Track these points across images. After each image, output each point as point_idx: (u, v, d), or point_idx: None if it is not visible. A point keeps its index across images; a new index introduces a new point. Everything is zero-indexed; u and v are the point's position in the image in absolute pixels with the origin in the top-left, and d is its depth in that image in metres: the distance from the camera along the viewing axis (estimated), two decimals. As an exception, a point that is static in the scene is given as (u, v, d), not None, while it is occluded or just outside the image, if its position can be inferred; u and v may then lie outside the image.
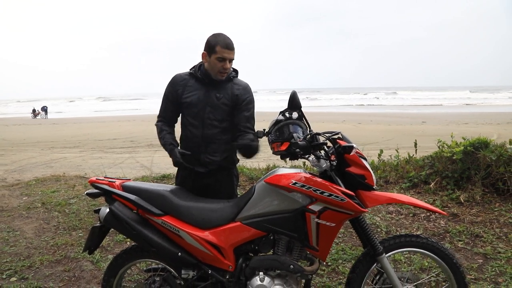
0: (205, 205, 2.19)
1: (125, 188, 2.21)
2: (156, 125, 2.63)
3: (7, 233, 4.19)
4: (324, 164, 2.03)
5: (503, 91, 63.12)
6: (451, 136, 5.12)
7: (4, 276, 3.21)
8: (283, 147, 2.03)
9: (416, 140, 5.77)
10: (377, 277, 2.20)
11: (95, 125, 24.77)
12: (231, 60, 2.41)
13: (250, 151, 2.39)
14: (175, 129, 2.69)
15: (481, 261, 3.21)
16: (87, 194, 2.23)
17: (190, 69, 2.56)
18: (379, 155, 5.76)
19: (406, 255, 3.24)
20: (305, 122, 2.12)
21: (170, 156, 2.50)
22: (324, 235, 1.99)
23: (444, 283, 2.29)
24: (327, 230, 1.98)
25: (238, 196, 2.55)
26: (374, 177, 2.03)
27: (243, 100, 2.48)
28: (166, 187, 2.29)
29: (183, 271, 2.16)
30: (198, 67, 2.52)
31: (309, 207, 1.97)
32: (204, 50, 2.43)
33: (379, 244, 2.08)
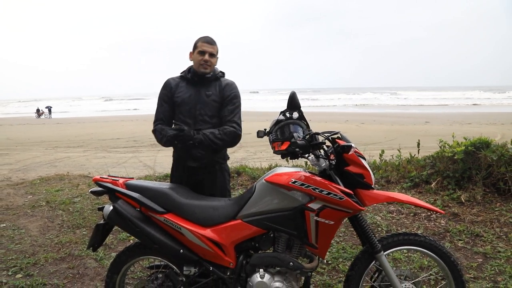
0: (207, 203, 2.23)
1: (129, 187, 2.26)
2: (155, 129, 2.71)
3: (13, 231, 4.25)
4: (324, 163, 2.07)
5: (506, 91, 62.81)
6: (453, 136, 5.13)
7: (10, 273, 3.27)
8: (284, 147, 2.06)
9: (419, 140, 5.80)
10: (376, 275, 2.23)
11: (98, 124, 24.89)
12: (212, 54, 2.63)
13: (181, 139, 2.52)
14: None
15: (481, 260, 3.23)
16: (91, 192, 2.28)
17: (180, 73, 2.79)
18: (381, 155, 5.79)
19: (405, 254, 3.27)
20: (305, 122, 2.15)
21: (177, 139, 2.53)
22: (323, 233, 2.03)
23: (442, 281, 2.31)
24: (326, 228, 2.02)
25: (231, 191, 2.70)
26: (372, 176, 2.07)
27: (228, 95, 2.69)
28: (168, 185, 2.33)
29: (185, 268, 2.20)
30: (188, 70, 2.75)
31: (309, 205, 2.00)
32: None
33: (377, 242, 2.12)
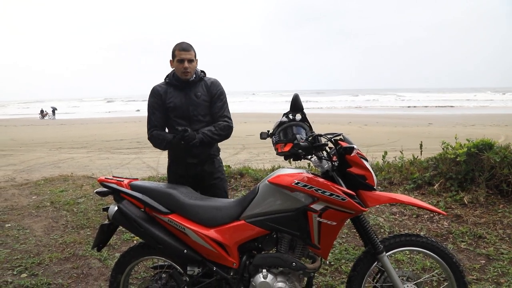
0: (210, 203, 2.25)
1: (133, 187, 2.28)
2: (151, 135, 2.81)
3: (17, 231, 4.29)
4: (326, 164, 2.09)
5: (510, 92, 62.51)
6: (455, 137, 5.13)
7: (15, 272, 3.30)
8: (287, 148, 2.09)
9: (421, 142, 5.80)
10: (378, 276, 2.25)
11: (101, 126, 24.99)
12: (190, 60, 2.75)
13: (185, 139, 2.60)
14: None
15: (484, 261, 3.24)
16: (96, 192, 2.30)
17: (165, 79, 2.90)
18: (383, 156, 5.80)
19: (408, 255, 3.28)
20: (308, 124, 2.17)
21: (183, 141, 2.61)
22: (326, 233, 2.05)
23: (444, 282, 2.32)
24: (329, 228, 2.03)
25: (225, 178, 2.94)
26: (375, 178, 2.08)
27: (215, 93, 2.86)
28: (172, 186, 2.36)
29: (188, 268, 2.22)
30: (172, 75, 2.85)
31: (311, 206, 2.02)
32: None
33: (379, 243, 2.13)
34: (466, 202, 4.39)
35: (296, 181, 2.03)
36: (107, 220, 2.34)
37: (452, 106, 37.69)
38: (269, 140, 2.20)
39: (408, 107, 39.46)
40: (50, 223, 4.52)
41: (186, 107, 2.78)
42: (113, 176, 2.39)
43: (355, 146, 2.05)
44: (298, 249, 2.17)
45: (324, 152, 2.10)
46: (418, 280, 2.21)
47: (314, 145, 2.01)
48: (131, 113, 41.29)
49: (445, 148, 5.07)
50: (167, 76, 2.89)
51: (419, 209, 4.38)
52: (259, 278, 2.12)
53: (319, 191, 1.99)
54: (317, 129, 2.19)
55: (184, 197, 2.24)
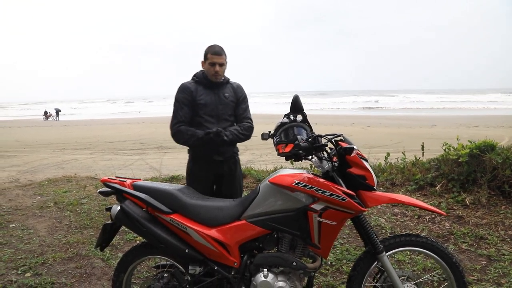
0: (212, 203, 2.28)
1: (136, 187, 2.31)
2: (178, 130, 2.85)
3: (22, 231, 4.33)
4: (326, 165, 2.11)
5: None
6: (457, 138, 5.14)
7: (19, 272, 3.34)
8: (288, 149, 2.10)
9: (423, 143, 5.81)
10: (378, 276, 2.26)
11: (105, 127, 25.09)
12: (221, 64, 2.89)
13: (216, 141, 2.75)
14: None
15: (485, 262, 3.24)
16: (100, 192, 2.33)
17: (192, 78, 3.01)
18: (386, 157, 5.81)
19: (409, 256, 3.29)
20: (309, 125, 2.19)
21: (217, 139, 2.74)
22: (326, 233, 2.07)
23: (445, 282, 2.33)
24: (329, 228, 2.05)
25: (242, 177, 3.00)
26: (375, 178, 2.10)
27: (240, 96, 3.06)
28: (175, 186, 2.38)
29: (190, 267, 2.25)
30: (202, 74, 2.97)
31: (311, 206, 2.04)
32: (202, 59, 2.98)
33: (379, 243, 2.15)
34: (468, 203, 4.39)
35: (297, 181, 2.05)
36: (110, 220, 2.36)
37: (455, 108, 37.56)
38: (271, 141, 2.22)
39: (411, 108, 39.36)
40: (53, 223, 4.56)
41: (216, 106, 2.91)
42: (116, 177, 2.42)
43: (355, 147, 2.07)
44: (298, 249, 2.19)
45: (325, 153, 2.12)
46: (418, 280, 2.22)
47: (314, 146, 2.02)
48: (134, 114, 41.43)
49: (447, 150, 5.07)
50: (195, 76, 3.00)
51: (420, 210, 4.38)
52: (260, 277, 2.14)
53: (319, 191, 2.01)
54: (319, 130, 2.21)
55: (186, 197, 2.26)
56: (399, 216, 4.31)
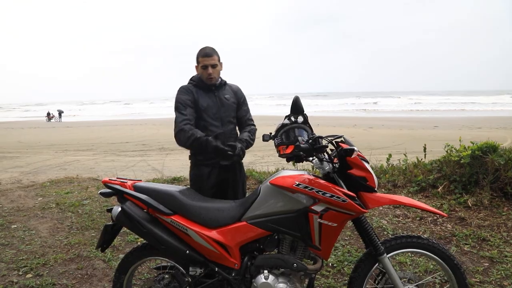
0: (213, 205, 2.27)
1: (137, 188, 2.31)
2: (181, 129, 2.69)
3: (23, 232, 4.34)
4: (327, 166, 2.10)
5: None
6: (459, 140, 5.12)
7: (20, 273, 3.34)
8: (289, 150, 2.10)
9: (425, 145, 5.79)
10: (379, 277, 2.26)
11: (107, 128, 25.15)
12: (213, 65, 2.81)
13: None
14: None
15: (487, 264, 3.23)
16: (100, 193, 2.33)
17: (189, 81, 2.93)
18: (388, 159, 5.80)
19: (410, 258, 3.28)
20: (309, 126, 2.18)
21: (210, 147, 2.62)
22: (327, 234, 2.06)
23: (447, 284, 2.32)
24: (329, 230, 2.05)
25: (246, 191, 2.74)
26: (375, 179, 2.09)
27: (240, 98, 3.03)
28: (175, 187, 2.38)
29: (190, 268, 2.25)
30: (199, 78, 2.90)
31: (312, 207, 2.03)
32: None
33: (380, 245, 2.14)
34: (470, 205, 4.37)
35: (297, 183, 2.05)
36: (111, 221, 2.36)
37: (458, 110, 37.46)
38: (272, 142, 2.22)
39: (413, 110, 39.29)
40: (55, 224, 4.57)
41: (218, 109, 2.86)
42: (117, 178, 2.42)
43: (355, 148, 2.06)
44: (299, 250, 2.18)
45: (325, 154, 2.12)
46: (419, 282, 2.21)
47: (315, 147, 2.02)
48: (136, 115, 41.53)
49: (449, 151, 5.05)
50: (192, 79, 2.93)
51: (422, 211, 4.37)
52: (261, 279, 2.14)
53: (320, 192, 2.01)
54: (321, 132, 2.21)
55: (186, 198, 2.26)
56: (401, 217, 4.29)
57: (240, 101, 3.02)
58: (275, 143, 2.20)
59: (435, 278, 2.62)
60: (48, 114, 38.87)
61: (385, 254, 2.13)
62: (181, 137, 2.70)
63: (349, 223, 3.41)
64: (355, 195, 2.02)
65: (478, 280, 2.99)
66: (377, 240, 2.15)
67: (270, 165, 8.08)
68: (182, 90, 2.86)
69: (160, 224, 2.24)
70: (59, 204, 5.30)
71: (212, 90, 2.89)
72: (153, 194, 2.27)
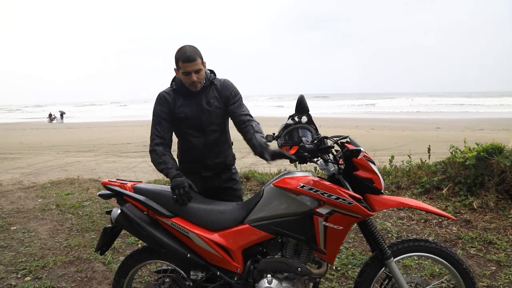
0: (214, 207, 2.22)
1: (136, 190, 2.26)
2: (153, 150, 2.44)
3: (23, 233, 4.29)
4: (332, 167, 2.04)
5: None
6: (464, 141, 5.06)
7: (19, 276, 3.29)
8: (292, 151, 2.05)
9: (429, 146, 5.73)
10: (386, 282, 2.19)
11: (108, 129, 25.13)
12: (197, 71, 2.37)
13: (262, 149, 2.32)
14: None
15: (494, 268, 3.16)
16: (99, 195, 2.28)
17: (171, 85, 2.56)
18: (390, 160, 5.74)
19: (416, 261, 3.21)
20: (314, 126, 2.12)
21: (174, 181, 2.29)
22: (332, 238, 2.00)
23: (454, 289, 2.26)
24: (335, 233, 1.99)
25: (243, 194, 2.62)
26: (382, 181, 2.03)
27: (229, 96, 2.53)
28: None
29: (191, 272, 2.19)
30: (180, 81, 2.49)
31: (317, 210, 1.97)
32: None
33: (387, 248, 2.08)
34: (476, 207, 4.31)
35: (302, 184, 1.99)
36: (110, 223, 2.31)
37: (460, 111, 37.34)
38: (275, 143, 2.16)
39: (415, 111, 39.18)
40: (55, 226, 4.52)
41: (199, 118, 2.48)
42: (117, 179, 2.37)
43: (362, 149, 2.00)
44: (303, 254, 2.12)
45: (330, 155, 2.06)
46: (427, 287, 2.15)
47: (320, 148, 1.96)
48: (138, 117, 41.52)
49: (453, 152, 4.99)
50: (173, 81, 2.56)
51: (427, 213, 4.30)
52: (264, 283, 2.07)
53: (325, 194, 1.95)
54: (323, 133, 2.15)
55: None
56: (405, 220, 4.23)
57: (228, 98, 2.53)
58: (278, 144, 2.14)
59: (443, 282, 2.55)
60: (50, 115, 38.92)
61: (392, 258, 2.07)
62: (152, 159, 2.46)
63: (354, 225, 3.35)
64: (361, 197, 1.96)
65: (485, 285, 2.92)
66: (384, 243, 2.08)
67: (272, 166, 8.02)
68: (157, 101, 2.52)
69: (160, 227, 2.18)
70: (59, 206, 5.25)
71: (193, 95, 2.49)
72: (154, 196, 2.22)
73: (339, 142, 2.05)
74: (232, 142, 2.75)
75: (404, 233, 3.88)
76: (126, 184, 2.30)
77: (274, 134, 2.21)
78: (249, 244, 2.11)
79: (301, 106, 2.02)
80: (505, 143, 4.81)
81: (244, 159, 10.23)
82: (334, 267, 3.25)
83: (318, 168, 2.16)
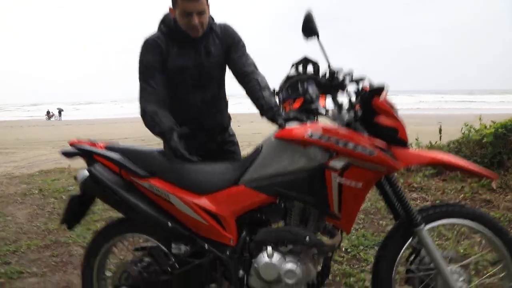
0: (202, 166, 1.82)
1: (109, 149, 1.86)
2: (145, 109, 2.00)
3: (-3, 218, 3.90)
4: (347, 115, 1.65)
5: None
6: (479, 119, 4.73)
7: (-16, 261, 2.91)
8: (296, 105, 1.67)
9: (440, 126, 5.42)
10: (412, 257, 1.78)
11: (107, 125, 24.80)
12: (200, 12, 1.93)
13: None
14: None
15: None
16: (62, 153, 1.89)
17: (160, 29, 2.09)
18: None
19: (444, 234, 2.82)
20: (319, 71, 1.71)
21: (168, 143, 1.90)
22: (348, 198, 1.58)
23: (498, 264, 1.82)
24: (352, 192, 1.57)
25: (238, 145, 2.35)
26: (407, 132, 1.64)
27: (231, 42, 2.12)
28: (158, 149, 1.93)
29: (173, 245, 1.76)
30: (173, 24, 2.04)
31: (330, 163, 1.57)
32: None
33: (416, 213, 1.67)
34: (495, 187, 3.96)
35: (310, 133, 1.58)
36: (79, 190, 1.91)
37: (462, 108, 36.96)
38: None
39: (416, 108, 38.81)
40: (35, 210, 4.15)
41: (196, 68, 2.08)
42: (88, 139, 1.97)
43: (385, 86, 1.59)
44: (312, 222, 1.70)
45: (345, 98, 1.67)
46: (464, 262, 1.73)
47: (333, 84, 1.57)
48: (135, 114, 41.19)
49: (467, 131, 4.68)
50: (162, 23, 2.08)
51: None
52: (263, 258, 1.66)
53: (339, 143, 1.54)
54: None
55: (168, 157, 1.81)
56: (418, 201, 3.84)
57: (230, 46, 2.12)
58: (279, 99, 1.76)
59: (483, 256, 2.12)
60: (48, 112, 38.56)
61: (422, 225, 1.65)
62: (145, 121, 2.03)
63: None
64: (385, 146, 1.56)
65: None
66: (413, 207, 1.67)
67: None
68: (145, 48, 2.04)
69: (136, 191, 1.77)
70: (42, 190, 4.87)
71: (189, 42, 2.05)
72: (129, 154, 1.81)
73: (356, 79, 1.64)
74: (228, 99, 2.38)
75: (419, 215, 3.50)
76: (97, 143, 1.91)
77: (274, 90, 1.85)
78: (244, 209, 1.70)
79: (308, 26, 1.61)
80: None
81: (244, 152, 9.78)
82: (343, 248, 2.84)
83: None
